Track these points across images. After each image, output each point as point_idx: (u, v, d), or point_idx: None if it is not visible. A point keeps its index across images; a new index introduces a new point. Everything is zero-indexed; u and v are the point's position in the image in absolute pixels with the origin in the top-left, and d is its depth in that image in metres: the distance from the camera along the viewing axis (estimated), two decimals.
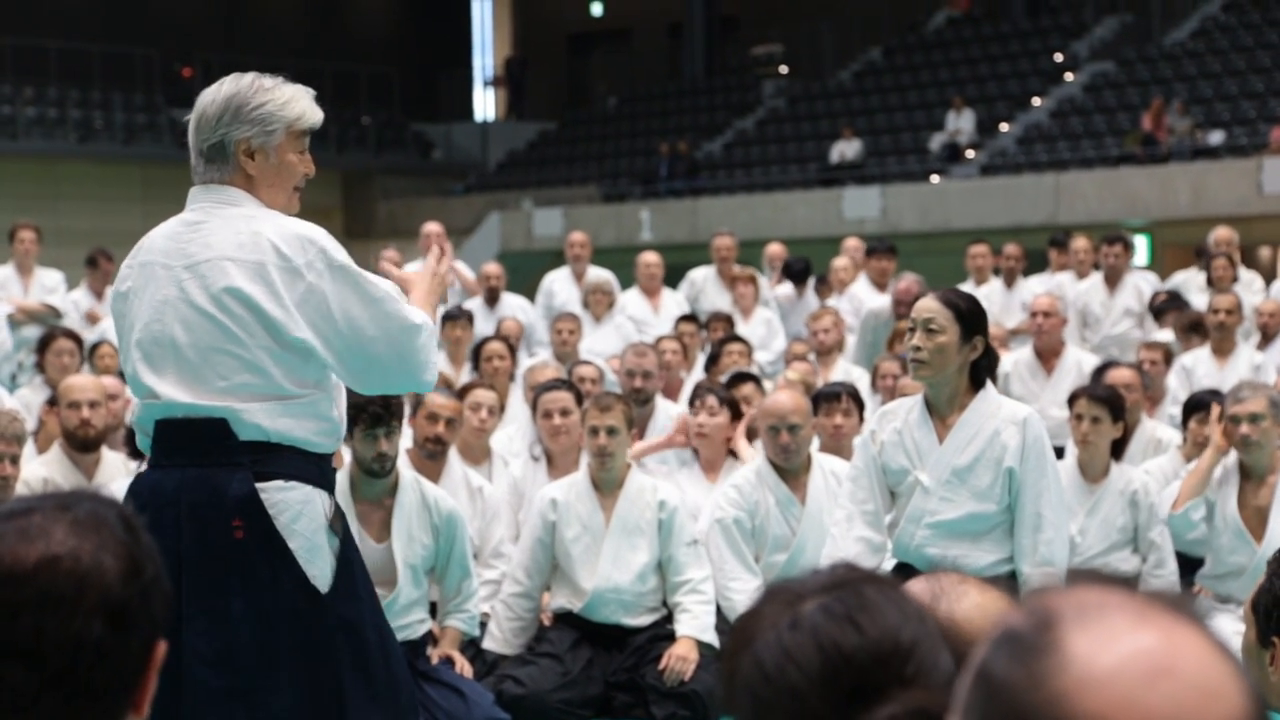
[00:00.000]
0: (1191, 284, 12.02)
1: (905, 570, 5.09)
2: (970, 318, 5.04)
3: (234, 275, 3.78)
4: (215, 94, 3.93)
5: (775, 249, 13.63)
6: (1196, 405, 7.34)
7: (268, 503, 3.77)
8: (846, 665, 1.55)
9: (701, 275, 12.79)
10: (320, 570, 3.81)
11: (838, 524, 5.31)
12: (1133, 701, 1.23)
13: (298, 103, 3.94)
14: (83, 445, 6.60)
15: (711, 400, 7.27)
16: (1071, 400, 6.98)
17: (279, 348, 3.78)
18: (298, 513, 3.80)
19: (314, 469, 3.87)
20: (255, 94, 3.91)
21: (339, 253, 3.84)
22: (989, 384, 5.15)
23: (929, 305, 5.06)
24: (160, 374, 3.83)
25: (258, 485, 3.77)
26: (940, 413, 5.13)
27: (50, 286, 12.08)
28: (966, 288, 12.53)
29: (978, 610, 2.02)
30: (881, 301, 11.41)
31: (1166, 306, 10.74)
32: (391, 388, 4.06)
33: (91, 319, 12.16)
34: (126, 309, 3.93)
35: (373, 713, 3.89)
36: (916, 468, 5.13)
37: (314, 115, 3.97)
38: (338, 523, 3.89)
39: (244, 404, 3.78)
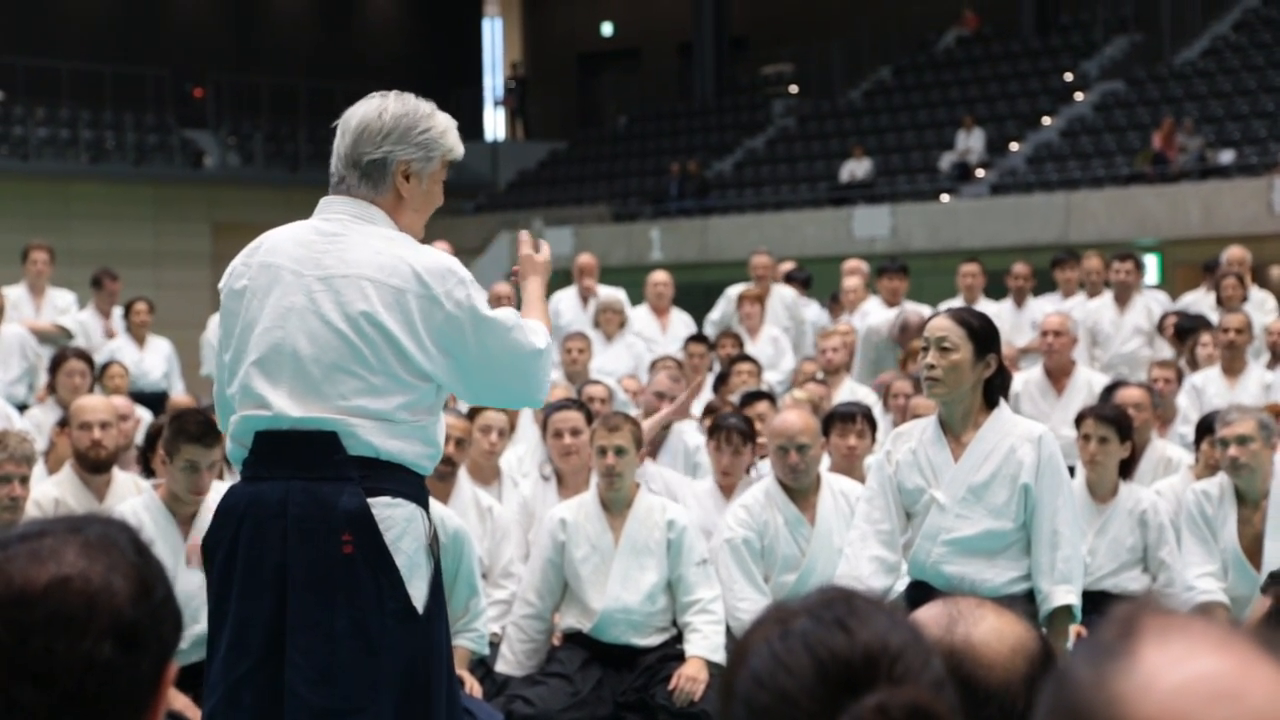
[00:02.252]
0: (1202, 303, 12.00)
1: (921, 589, 5.11)
2: (983, 336, 5.06)
3: (373, 299, 3.78)
4: (380, 109, 3.93)
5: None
6: (1209, 427, 7.31)
7: (377, 518, 3.76)
8: (836, 665, 1.56)
9: (739, 293, 12.70)
10: (419, 590, 3.81)
11: (851, 544, 5.31)
12: (1187, 718, 1.24)
13: (452, 133, 4.00)
14: (94, 466, 6.60)
15: (737, 439, 7.25)
16: (1079, 420, 6.97)
17: (406, 376, 3.79)
18: (403, 530, 3.78)
19: (417, 487, 3.87)
20: (421, 118, 3.93)
21: (475, 286, 3.89)
22: (1002, 402, 5.16)
23: (942, 324, 5.08)
24: (275, 384, 3.80)
25: (367, 500, 3.76)
26: (954, 431, 5.14)
27: (62, 307, 12.11)
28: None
29: (994, 634, 2.02)
30: (881, 317, 11.37)
31: (1187, 326, 10.62)
32: (505, 404, 4.37)
33: (109, 335, 12.21)
34: (239, 308, 3.90)
35: None
36: (932, 486, 5.14)
37: (461, 148, 4.03)
38: (435, 543, 3.89)
39: (359, 420, 3.77)
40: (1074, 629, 6.14)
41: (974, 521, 5.10)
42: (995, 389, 5.13)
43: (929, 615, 2.04)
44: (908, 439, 5.24)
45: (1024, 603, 5.06)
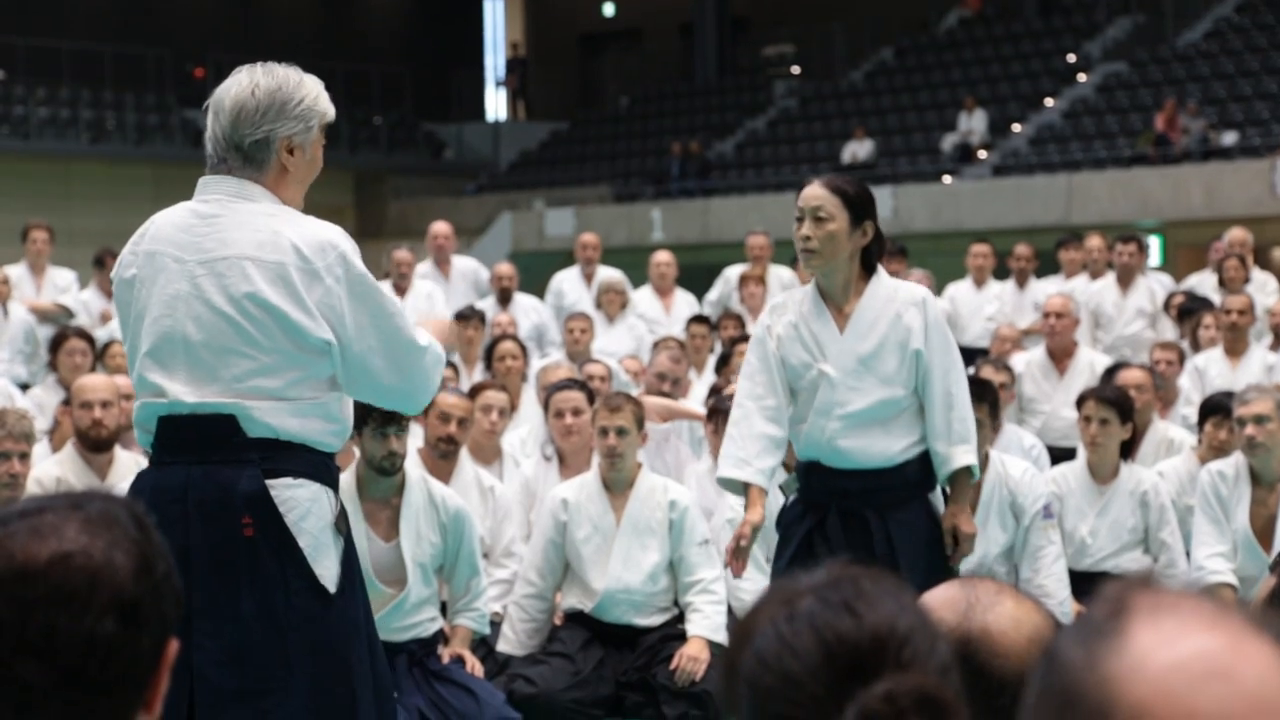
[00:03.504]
0: (1205, 285, 11.99)
1: (816, 469, 5.00)
2: (858, 203, 4.91)
3: (255, 278, 3.73)
4: (252, 86, 3.85)
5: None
6: (1213, 408, 7.30)
7: (277, 500, 3.74)
8: (843, 649, 1.55)
9: (736, 274, 12.65)
10: (327, 569, 3.79)
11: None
12: (1179, 698, 1.23)
13: (323, 97, 3.92)
14: (95, 445, 6.61)
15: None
16: (1080, 402, 6.96)
17: (298, 351, 3.75)
18: (306, 510, 3.77)
19: (321, 466, 3.84)
20: (294, 89, 3.85)
21: (357, 259, 3.82)
22: (880, 269, 5.03)
23: (816, 193, 4.91)
24: (170, 372, 3.78)
25: (267, 482, 3.74)
26: (836, 301, 5.00)
27: (62, 286, 12.11)
28: (965, 288, 12.58)
29: (1011, 622, 2.01)
30: None
31: (1191, 308, 10.59)
32: (381, 402, 4.02)
33: (105, 318, 12.19)
34: (132, 298, 3.87)
35: (376, 712, 3.89)
36: (819, 360, 4.98)
37: (332, 109, 3.96)
38: (342, 522, 3.87)
39: (254, 402, 3.74)
40: (1074, 608, 6.12)
41: (866, 393, 4.95)
42: (873, 255, 5.00)
43: (944, 599, 2.02)
44: (785, 311, 5.06)
45: (922, 463, 4.98)
